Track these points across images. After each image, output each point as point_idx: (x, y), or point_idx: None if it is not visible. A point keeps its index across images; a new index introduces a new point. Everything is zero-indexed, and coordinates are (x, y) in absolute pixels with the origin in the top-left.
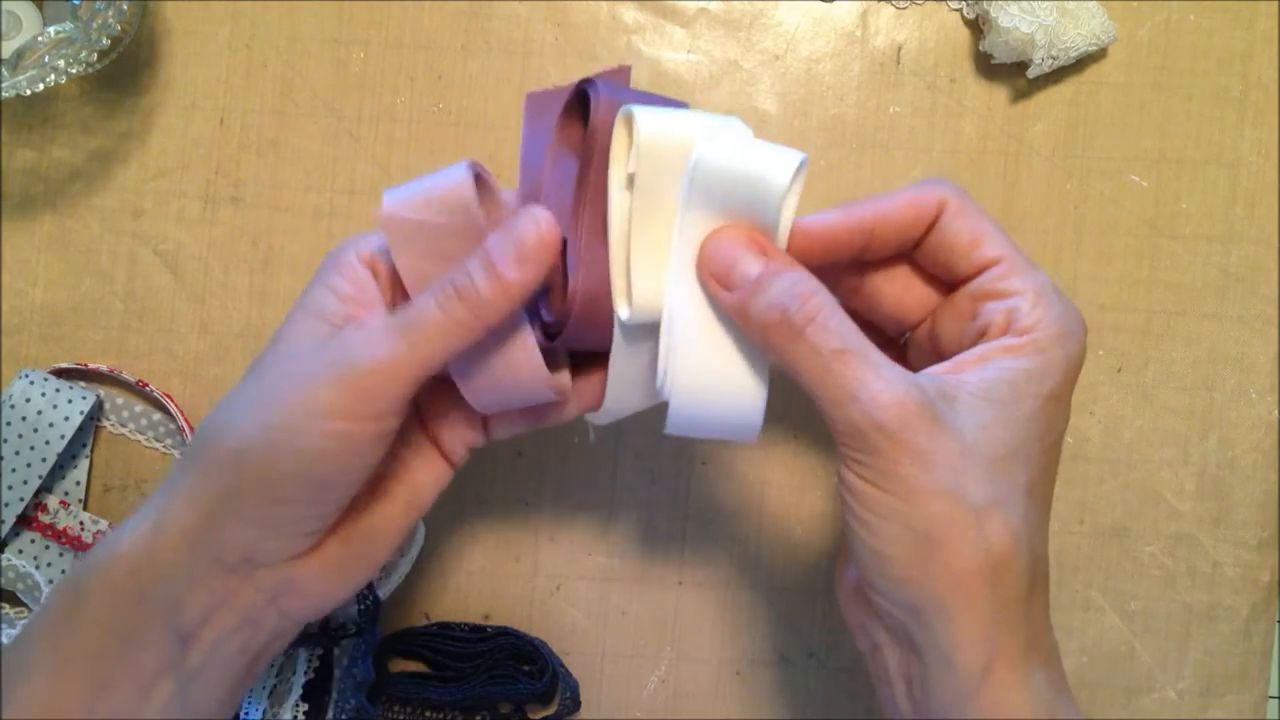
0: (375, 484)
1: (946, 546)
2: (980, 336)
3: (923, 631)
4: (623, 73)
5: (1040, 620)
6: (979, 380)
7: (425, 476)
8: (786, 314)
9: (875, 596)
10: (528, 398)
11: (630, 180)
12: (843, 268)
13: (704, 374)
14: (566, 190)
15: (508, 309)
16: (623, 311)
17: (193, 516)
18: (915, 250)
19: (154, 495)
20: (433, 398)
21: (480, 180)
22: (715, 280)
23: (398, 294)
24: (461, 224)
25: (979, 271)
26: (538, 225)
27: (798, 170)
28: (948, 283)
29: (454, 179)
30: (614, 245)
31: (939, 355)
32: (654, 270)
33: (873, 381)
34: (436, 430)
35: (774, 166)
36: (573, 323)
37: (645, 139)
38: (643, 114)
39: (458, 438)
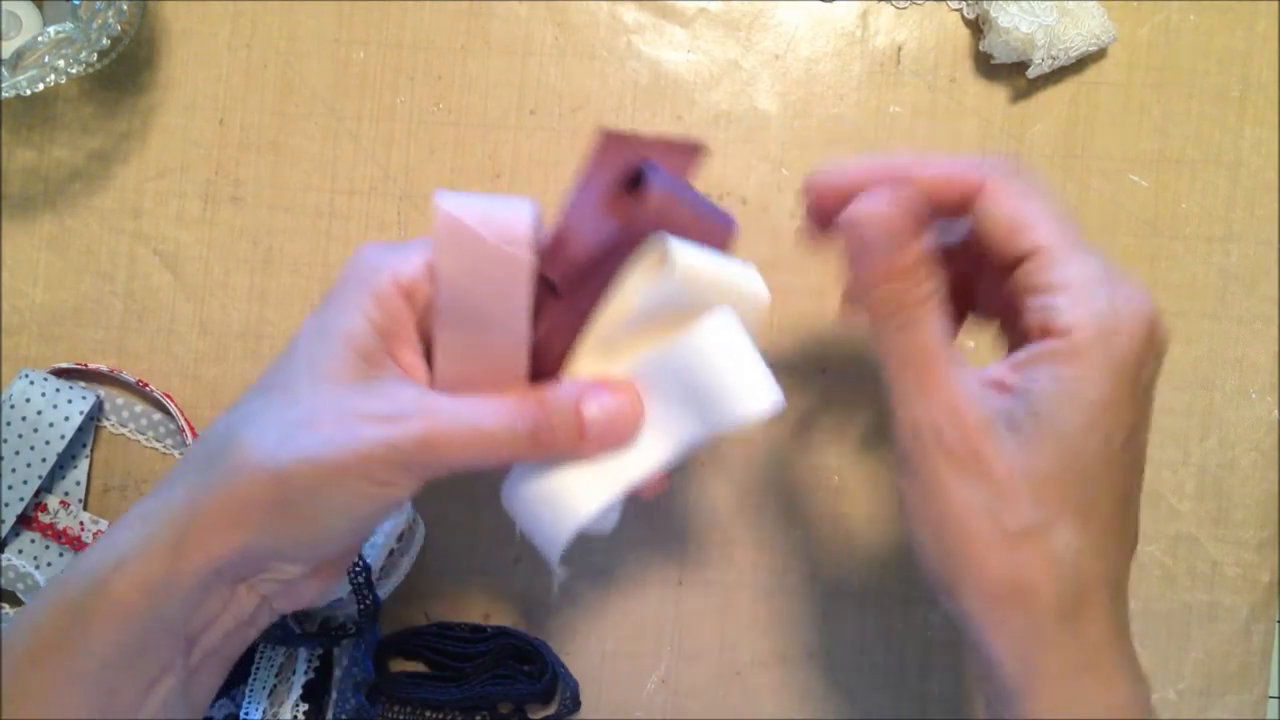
0: None
1: (976, 564)
2: (1026, 335)
3: (971, 637)
4: (691, 152)
5: (1099, 639)
6: (1024, 391)
7: None
8: (903, 304)
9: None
10: None
11: (640, 294)
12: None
13: (549, 477)
14: (587, 251)
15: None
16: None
17: (224, 548)
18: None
19: (157, 505)
20: None
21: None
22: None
23: (425, 327)
24: (510, 256)
25: (1018, 263)
26: (636, 412)
27: (762, 414)
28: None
29: (518, 209)
30: (591, 335)
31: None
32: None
33: (952, 384)
34: None
35: (751, 394)
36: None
37: (679, 276)
38: (681, 253)
39: None
